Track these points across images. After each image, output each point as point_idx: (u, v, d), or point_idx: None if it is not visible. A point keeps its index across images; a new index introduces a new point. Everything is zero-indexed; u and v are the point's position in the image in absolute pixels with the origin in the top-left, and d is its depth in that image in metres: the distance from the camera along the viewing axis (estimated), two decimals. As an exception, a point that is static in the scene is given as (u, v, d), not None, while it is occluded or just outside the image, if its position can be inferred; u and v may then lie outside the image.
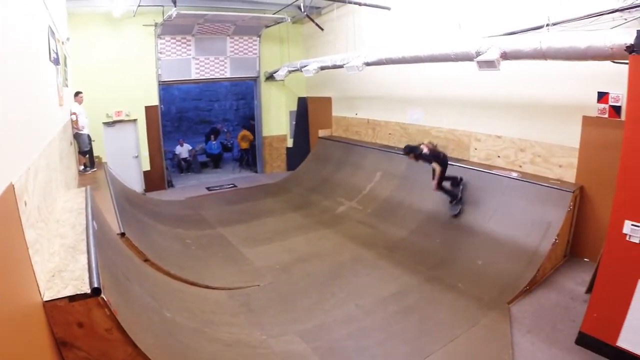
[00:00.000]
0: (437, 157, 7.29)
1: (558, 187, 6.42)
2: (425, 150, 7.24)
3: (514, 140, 7.52)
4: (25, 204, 2.61)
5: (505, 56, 5.91)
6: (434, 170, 7.32)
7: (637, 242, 4.08)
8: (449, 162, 7.47)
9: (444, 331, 4.92)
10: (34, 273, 2.50)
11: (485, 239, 6.74)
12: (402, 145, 10.04)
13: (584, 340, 4.50)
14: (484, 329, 4.98)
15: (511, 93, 7.39)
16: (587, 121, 6.29)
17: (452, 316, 5.24)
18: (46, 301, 2.47)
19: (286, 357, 4.53)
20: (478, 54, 6.18)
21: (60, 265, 2.95)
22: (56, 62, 5.88)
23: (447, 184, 7.48)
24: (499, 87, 7.50)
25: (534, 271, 5.76)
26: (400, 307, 5.50)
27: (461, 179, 7.57)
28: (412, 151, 7.36)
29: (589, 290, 5.30)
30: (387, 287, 6.00)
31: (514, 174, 7.18)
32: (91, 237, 3.43)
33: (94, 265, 2.89)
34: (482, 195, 7.34)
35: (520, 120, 7.35)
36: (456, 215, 7.37)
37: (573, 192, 6.20)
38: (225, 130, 17.26)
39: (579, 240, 6.53)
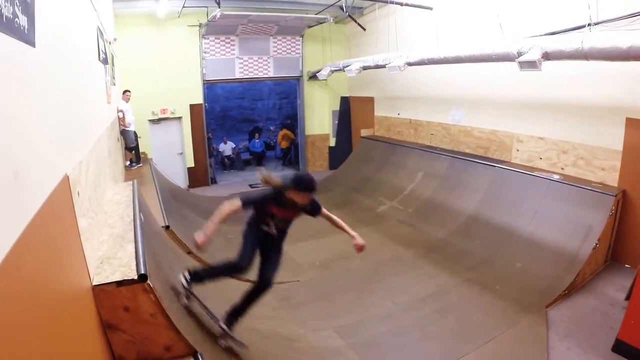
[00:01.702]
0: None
1: (600, 191, 6.33)
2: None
3: (556, 142, 7.44)
4: (78, 194, 2.78)
5: (546, 56, 5.88)
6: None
7: (677, 249, 4.08)
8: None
9: (480, 332, 5.00)
10: (85, 259, 2.66)
11: (525, 241, 6.73)
12: (444, 146, 10.13)
13: (620, 347, 4.50)
14: (521, 331, 5.02)
15: (553, 94, 7.29)
16: (631, 123, 6.17)
17: (488, 318, 5.30)
18: (95, 285, 2.63)
19: (323, 352, 4.71)
20: (519, 54, 6.18)
21: (109, 253, 3.15)
22: (104, 61, 6.17)
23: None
24: (541, 88, 7.41)
25: (574, 276, 5.73)
26: (438, 307, 5.62)
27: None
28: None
29: (629, 297, 5.24)
30: (425, 287, 6.12)
31: (556, 176, 7.11)
32: (138, 228, 3.64)
33: (140, 253, 3.06)
34: (523, 197, 7.29)
35: (563, 122, 7.26)
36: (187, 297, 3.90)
37: (615, 196, 6.09)
38: (271, 128, 17.66)
39: (620, 246, 6.40)
